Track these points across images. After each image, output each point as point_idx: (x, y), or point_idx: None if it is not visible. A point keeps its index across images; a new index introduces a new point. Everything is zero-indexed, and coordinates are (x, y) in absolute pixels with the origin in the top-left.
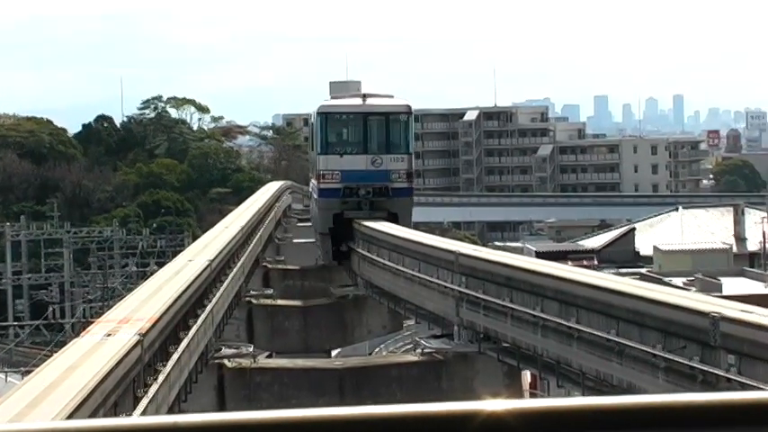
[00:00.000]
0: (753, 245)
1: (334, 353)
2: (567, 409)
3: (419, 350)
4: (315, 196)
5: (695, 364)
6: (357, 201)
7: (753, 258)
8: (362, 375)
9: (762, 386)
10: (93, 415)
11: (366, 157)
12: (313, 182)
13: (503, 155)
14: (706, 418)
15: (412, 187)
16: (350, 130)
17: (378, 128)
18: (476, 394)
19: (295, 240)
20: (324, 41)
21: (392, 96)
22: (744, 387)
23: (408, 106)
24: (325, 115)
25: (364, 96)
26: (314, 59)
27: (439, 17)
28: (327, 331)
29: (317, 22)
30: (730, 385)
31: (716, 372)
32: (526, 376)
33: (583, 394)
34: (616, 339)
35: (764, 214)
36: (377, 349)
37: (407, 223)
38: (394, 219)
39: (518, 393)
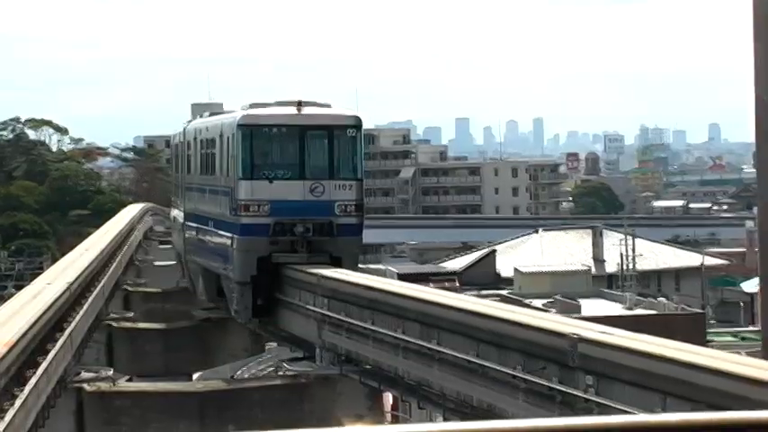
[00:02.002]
0: (611, 266)
1: (195, 376)
2: None
3: (281, 373)
4: (226, 233)
5: (554, 385)
6: (291, 241)
7: (611, 279)
8: (224, 399)
9: (619, 407)
10: None
11: (303, 183)
12: (182, 207)
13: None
14: None
15: (362, 223)
16: (282, 149)
17: (319, 146)
18: (338, 417)
19: (156, 263)
20: (184, 64)
21: (330, 106)
22: (601, 408)
23: (357, 118)
24: (249, 129)
25: (299, 104)
26: (175, 82)
27: (301, 38)
28: (189, 354)
29: (176, 45)
30: (588, 406)
31: (574, 392)
32: (388, 398)
33: (444, 416)
34: (477, 361)
35: (622, 236)
36: (239, 372)
37: (353, 268)
38: (336, 263)
39: (379, 415)
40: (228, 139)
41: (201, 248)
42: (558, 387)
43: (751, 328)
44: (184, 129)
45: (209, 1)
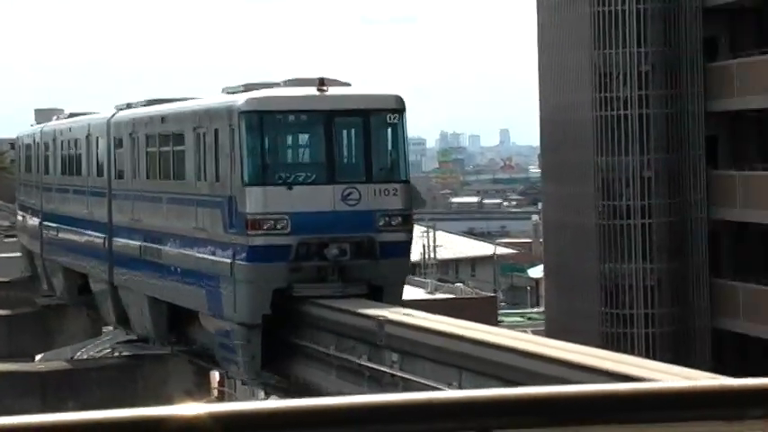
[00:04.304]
0: (414, 255)
1: (37, 357)
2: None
3: (117, 353)
4: (213, 257)
5: (364, 362)
6: (317, 266)
7: (415, 267)
8: (64, 378)
9: (420, 381)
10: None
11: (333, 188)
12: (98, 218)
13: None
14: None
15: (410, 240)
16: (302, 143)
17: (352, 137)
18: (169, 393)
19: (1, 255)
20: (29, 70)
21: (350, 84)
22: (405, 382)
23: (400, 99)
24: (258, 116)
25: (321, 83)
26: (19, 87)
27: (138, 43)
28: (32, 338)
29: (21, 51)
30: (394, 381)
31: (382, 369)
32: (215, 376)
33: (265, 391)
34: (295, 341)
35: (424, 229)
36: (78, 353)
37: (397, 301)
38: (376, 295)
39: (207, 391)
40: (217, 132)
41: (148, 274)
42: (366, 364)
43: (536, 310)
44: (108, 121)
45: (45, 6)
